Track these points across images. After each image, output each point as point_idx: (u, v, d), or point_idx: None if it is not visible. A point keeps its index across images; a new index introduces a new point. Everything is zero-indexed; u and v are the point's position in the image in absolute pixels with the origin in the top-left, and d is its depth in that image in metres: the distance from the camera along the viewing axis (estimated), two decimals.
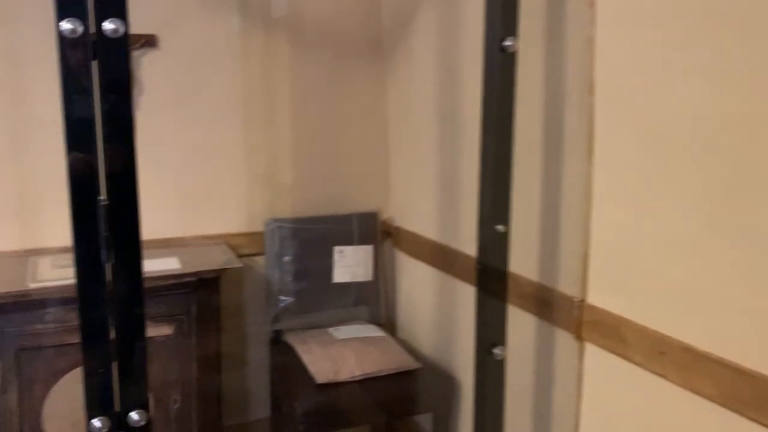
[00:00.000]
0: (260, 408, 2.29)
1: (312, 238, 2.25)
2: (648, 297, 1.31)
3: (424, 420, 2.22)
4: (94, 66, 0.92)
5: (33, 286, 1.70)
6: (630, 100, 1.33)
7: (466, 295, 1.99)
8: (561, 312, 1.55)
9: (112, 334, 1.08)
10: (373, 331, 2.20)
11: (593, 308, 1.45)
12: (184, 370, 1.95)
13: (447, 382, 2.05)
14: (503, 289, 1.43)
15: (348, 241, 2.30)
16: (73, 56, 0.90)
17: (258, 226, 2.24)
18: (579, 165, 1.47)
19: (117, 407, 1.10)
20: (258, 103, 2.20)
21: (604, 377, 1.45)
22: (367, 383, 1.94)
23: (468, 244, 1.97)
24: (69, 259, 1.95)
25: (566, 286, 1.54)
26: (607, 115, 1.40)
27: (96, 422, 1.08)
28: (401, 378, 1.99)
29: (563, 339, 1.55)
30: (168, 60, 2.06)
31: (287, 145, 2.28)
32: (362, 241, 2.32)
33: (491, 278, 1.42)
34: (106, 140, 0.98)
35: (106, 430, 1.08)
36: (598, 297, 1.44)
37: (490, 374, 1.43)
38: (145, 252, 2.11)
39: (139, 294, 1.10)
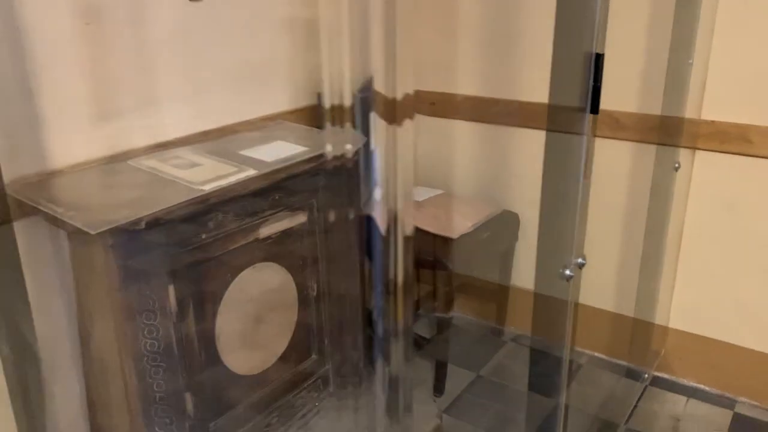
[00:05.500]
0: None
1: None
2: None
3: None
4: None
5: (208, 188, 1.42)
6: None
7: None
8: None
9: None
10: (433, 191, 2.29)
11: None
12: (317, 257, 1.84)
13: (514, 218, 2.29)
14: None
15: None
16: None
17: (308, 100, 2.08)
18: None
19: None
20: None
21: None
22: (474, 234, 2.08)
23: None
24: (180, 157, 1.62)
25: None
26: None
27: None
28: (492, 223, 2.16)
29: None
30: None
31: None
32: None
33: None
34: None
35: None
36: None
37: None
38: (227, 141, 1.86)
39: None
